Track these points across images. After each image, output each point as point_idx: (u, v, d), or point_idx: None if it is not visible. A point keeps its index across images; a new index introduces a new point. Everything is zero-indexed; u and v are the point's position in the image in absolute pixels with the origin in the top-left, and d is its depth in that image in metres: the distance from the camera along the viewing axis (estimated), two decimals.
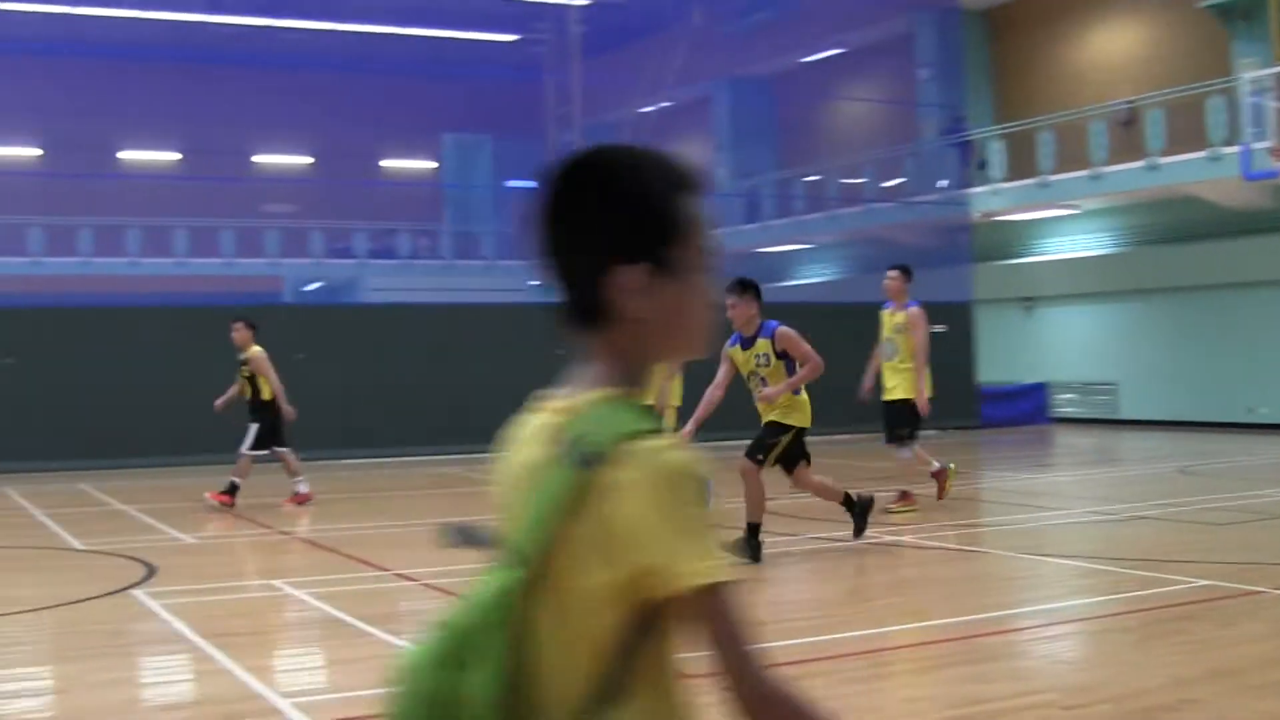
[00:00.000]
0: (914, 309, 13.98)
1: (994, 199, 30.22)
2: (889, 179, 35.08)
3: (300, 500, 15.73)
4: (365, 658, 7.80)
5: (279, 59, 44.20)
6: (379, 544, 12.21)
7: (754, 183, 39.78)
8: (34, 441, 21.12)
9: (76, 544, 12.92)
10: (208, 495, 15.41)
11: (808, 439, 11.14)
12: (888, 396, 13.99)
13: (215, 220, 42.34)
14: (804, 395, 11.06)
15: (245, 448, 15.60)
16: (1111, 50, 31.51)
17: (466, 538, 2.04)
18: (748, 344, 10.90)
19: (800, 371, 10.80)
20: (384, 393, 22.94)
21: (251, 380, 15.70)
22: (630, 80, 40.64)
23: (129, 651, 8.46)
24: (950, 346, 26.84)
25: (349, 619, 8.77)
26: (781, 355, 10.78)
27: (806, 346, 10.84)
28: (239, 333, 15.83)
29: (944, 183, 32.83)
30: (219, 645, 7.98)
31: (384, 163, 50.52)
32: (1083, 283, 29.36)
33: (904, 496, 13.76)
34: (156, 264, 40.25)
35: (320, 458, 22.11)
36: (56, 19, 41.03)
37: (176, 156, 47.80)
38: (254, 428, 15.66)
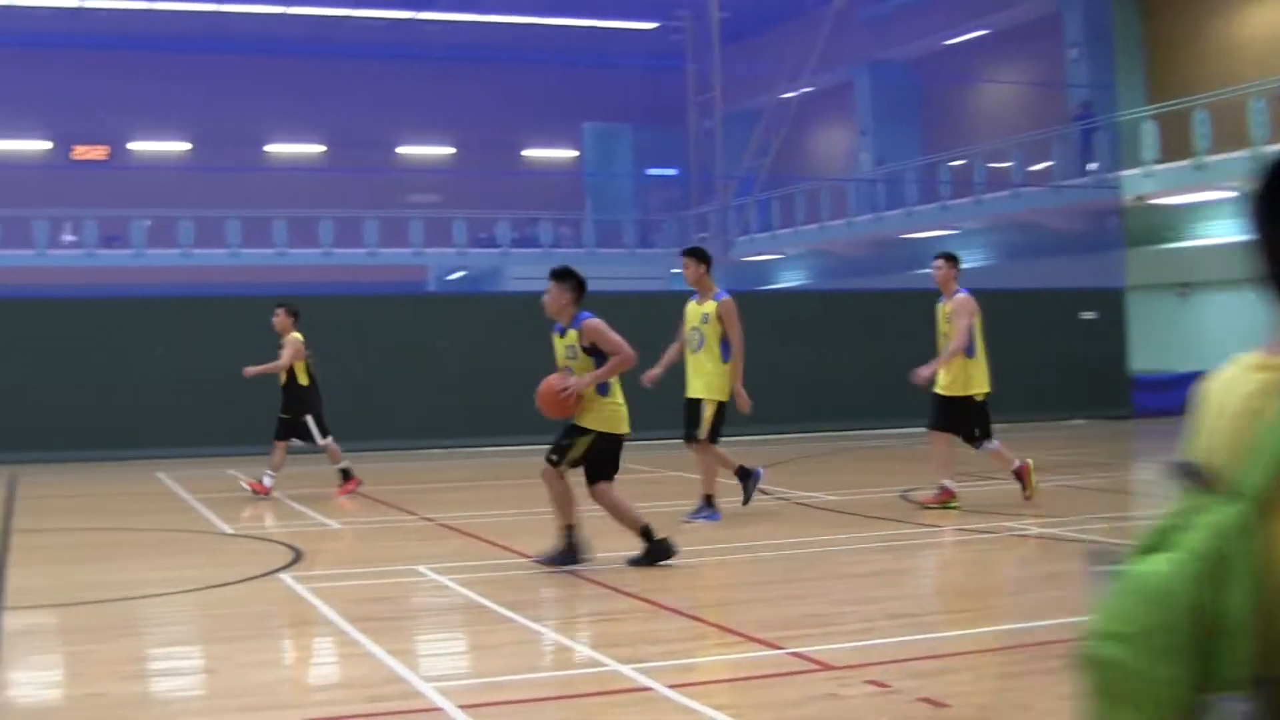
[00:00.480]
0: (960, 296, 13.26)
1: (1146, 182, 29.53)
2: (1037, 162, 34.46)
3: (260, 490, 15.43)
4: (507, 643, 7.79)
5: (421, 51, 44.60)
6: (521, 530, 12.20)
7: (897, 167, 39.31)
8: (184, 428, 21.49)
9: (226, 528, 13.08)
10: (336, 493, 15.50)
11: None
12: (945, 392, 13.17)
13: (360, 211, 42.82)
14: (614, 399, 10.12)
15: (321, 440, 15.57)
16: (1271, 23, 30.59)
17: (1190, 474, 2.25)
18: (562, 334, 10.30)
19: (605, 364, 9.95)
20: (526, 381, 22.95)
21: (289, 367, 15.57)
22: (771, 66, 40.35)
23: (276, 634, 8.54)
24: (1101, 334, 26.30)
25: (491, 604, 8.74)
26: (590, 350, 10.01)
27: (614, 338, 9.98)
28: (279, 318, 15.63)
29: (1094, 165, 32.14)
30: (363, 629, 7.99)
31: (525, 152, 50.73)
32: (1242, 268, 28.52)
33: (1022, 481, 13.29)
34: (303, 254, 40.83)
35: (464, 445, 22.26)
36: (203, 17, 41.80)
37: (321, 149, 48.40)
38: (309, 420, 15.55)
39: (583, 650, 7.60)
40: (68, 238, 42.13)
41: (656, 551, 10.25)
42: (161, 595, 9.49)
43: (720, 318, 12.59)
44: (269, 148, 48.12)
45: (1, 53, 42.39)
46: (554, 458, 10.11)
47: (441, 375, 22.64)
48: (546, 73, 46.22)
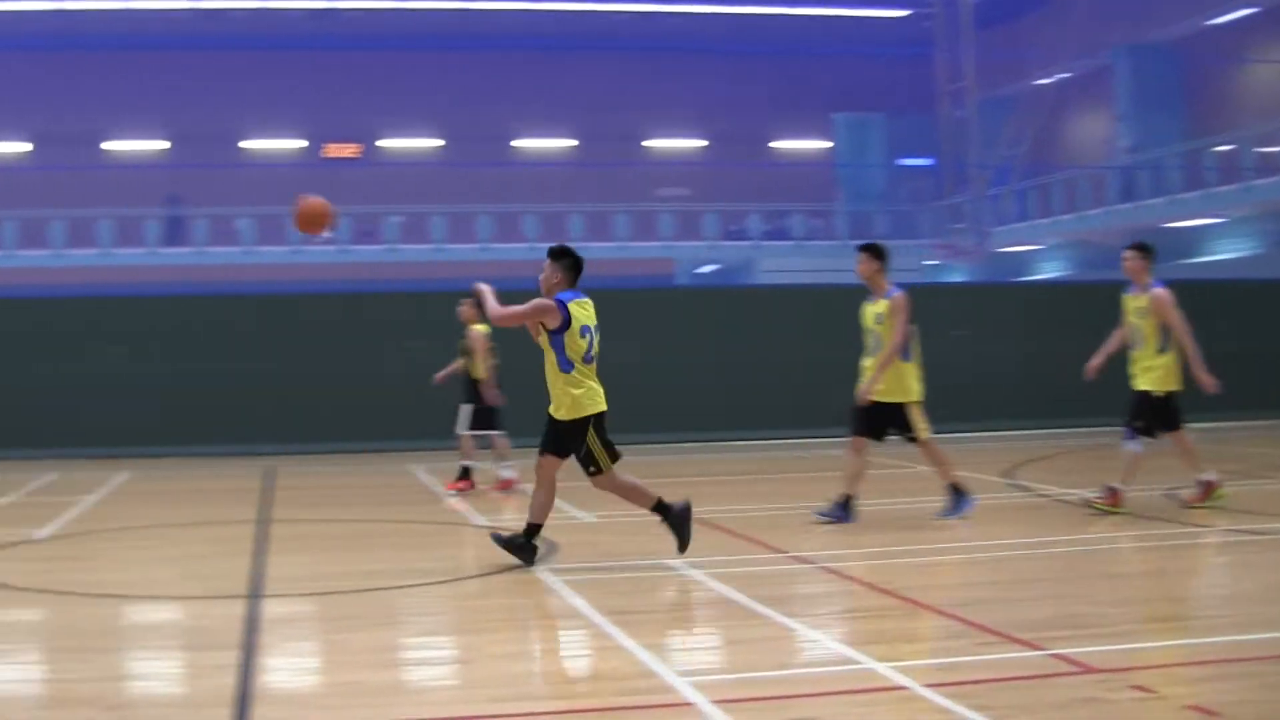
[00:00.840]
0: (1158, 291, 12.44)
1: None
2: None
3: (504, 486, 15.49)
4: (761, 639, 7.68)
5: (670, 43, 44.79)
6: (774, 526, 12.08)
7: (1159, 154, 38.05)
8: (438, 421, 21.85)
9: (479, 520, 13.23)
10: (445, 487, 15.56)
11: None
12: (1135, 385, 12.44)
13: (609, 205, 43.19)
14: (585, 383, 10.07)
15: (462, 429, 15.58)
16: None
17: None
18: None
19: (514, 307, 10.07)
20: (780, 375, 22.84)
21: (470, 358, 15.65)
22: (1025, 52, 39.51)
23: (529, 626, 8.59)
24: None
25: (745, 600, 8.65)
26: (548, 329, 10.02)
27: (520, 309, 9.97)
28: (466, 309, 15.71)
29: None
30: (616, 623, 7.97)
31: (774, 144, 50.57)
32: None
33: (1112, 494, 12.37)
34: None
35: (710, 439, 22.18)
36: (452, 15, 42.67)
37: (571, 144, 48.94)
38: (467, 408, 15.58)
39: (837, 647, 7.45)
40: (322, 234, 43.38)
41: (521, 546, 10.16)
42: (416, 585, 9.62)
43: (891, 315, 12.18)
44: (519, 143, 48.86)
45: (256, 55, 43.96)
46: (593, 470, 10.09)
47: (694, 369, 22.61)
48: (796, 63, 46.01)
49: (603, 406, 10.12)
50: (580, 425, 10.02)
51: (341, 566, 10.59)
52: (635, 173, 47.35)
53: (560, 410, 10.05)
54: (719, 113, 48.20)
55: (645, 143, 49.51)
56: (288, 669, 7.46)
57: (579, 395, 10.01)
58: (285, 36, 43.82)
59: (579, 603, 8.69)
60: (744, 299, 26.09)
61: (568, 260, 10.27)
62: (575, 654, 7.76)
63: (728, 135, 48.64)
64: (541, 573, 9.84)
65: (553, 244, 10.52)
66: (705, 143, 49.97)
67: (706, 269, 45.57)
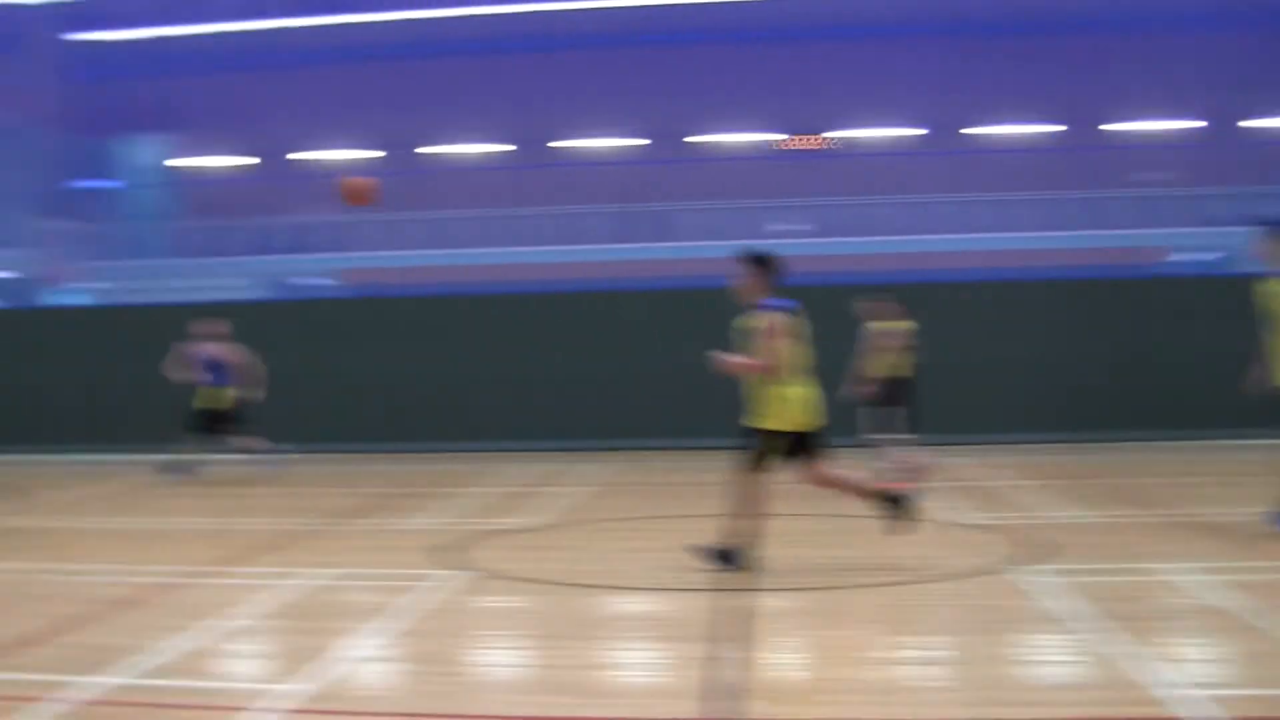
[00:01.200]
0: None
1: None
2: None
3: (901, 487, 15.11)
4: (1257, 654, 7.38)
5: (1142, 24, 43.36)
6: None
7: None
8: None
9: (968, 518, 13.08)
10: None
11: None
12: None
13: (1083, 193, 42.18)
14: (788, 392, 9.91)
15: (901, 431, 15.21)
16: None
17: None
18: (747, 315, 10.09)
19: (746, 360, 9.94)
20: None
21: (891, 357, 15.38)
22: None
23: (1022, 627, 8.38)
24: None
25: (1240, 609, 8.33)
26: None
27: (764, 344, 9.89)
28: (876, 306, 15.62)
29: None
30: (1114, 628, 7.84)
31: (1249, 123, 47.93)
32: None
33: None
34: (1010, 238, 40.63)
35: (1204, 436, 20.93)
36: (817, 5, 42.46)
37: (1054, 129, 47.63)
38: (899, 411, 15.25)
39: None
40: (786, 227, 43.83)
41: (894, 508, 10.28)
42: (901, 584, 9.67)
43: None
44: (982, 130, 48.04)
45: (713, 49, 44.64)
46: (754, 462, 9.98)
47: (1206, 363, 21.21)
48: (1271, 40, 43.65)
49: (799, 425, 10.09)
50: (770, 434, 10.02)
51: (834, 560, 10.68)
52: (1106, 156, 45.88)
53: (761, 419, 10.05)
54: (1192, 94, 46.12)
55: (1109, 126, 47.79)
56: (767, 664, 7.61)
57: (790, 405, 10.03)
58: (743, 29, 44.47)
59: (1076, 606, 8.56)
60: (1230, 288, 24.72)
61: (766, 264, 10.26)
62: (1067, 659, 7.60)
63: (1201, 116, 46.48)
64: (1043, 573, 9.73)
65: (747, 249, 10.48)
66: (1184, 124, 47.87)
67: (1200, 256, 43.53)
